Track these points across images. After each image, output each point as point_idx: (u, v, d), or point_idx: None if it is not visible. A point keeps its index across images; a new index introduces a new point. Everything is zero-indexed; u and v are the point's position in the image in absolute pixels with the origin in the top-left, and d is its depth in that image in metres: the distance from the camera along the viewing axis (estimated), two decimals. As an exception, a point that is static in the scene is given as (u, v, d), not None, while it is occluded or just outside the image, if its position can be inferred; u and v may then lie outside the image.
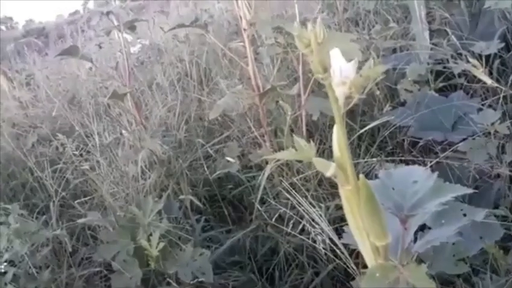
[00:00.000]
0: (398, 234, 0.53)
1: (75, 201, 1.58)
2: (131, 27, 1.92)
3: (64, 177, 1.79)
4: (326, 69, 0.42)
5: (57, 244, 1.18)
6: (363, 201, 0.48)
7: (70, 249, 1.12)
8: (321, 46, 0.40)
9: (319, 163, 0.47)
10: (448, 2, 2.13)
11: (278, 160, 1.48)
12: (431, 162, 1.16)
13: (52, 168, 1.83)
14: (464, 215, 0.61)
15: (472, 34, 1.86)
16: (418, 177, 0.57)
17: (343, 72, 0.43)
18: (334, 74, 0.43)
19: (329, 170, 0.47)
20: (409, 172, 0.59)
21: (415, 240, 0.57)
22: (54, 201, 1.44)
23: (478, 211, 0.62)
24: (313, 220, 1.03)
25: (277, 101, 1.65)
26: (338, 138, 0.47)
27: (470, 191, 0.56)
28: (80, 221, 1.16)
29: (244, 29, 1.55)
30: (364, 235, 0.49)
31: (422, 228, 0.58)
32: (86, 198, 1.62)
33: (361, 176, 0.48)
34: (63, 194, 1.66)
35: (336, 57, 0.43)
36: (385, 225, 0.48)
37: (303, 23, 1.57)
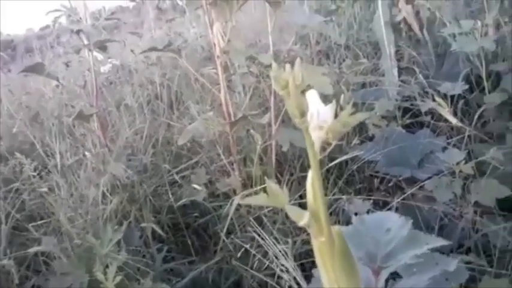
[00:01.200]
0: (369, 283, 0.51)
1: (30, 224, 1.49)
2: (102, 47, 1.88)
3: (19, 198, 1.69)
4: (303, 114, 0.40)
5: (5, 275, 1.10)
6: (337, 255, 0.46)
7: (17, 281, 1.04)
8: (299, 89, 0.39)
9: (292, 211, 0.45)
10: (416, 41, 2.21)
11: (246, 189, 1.46)
12: (398, 200, 1.17)
13: (7, 188, 1.73)
14: (437, 263, 0.60)
15: (438, 73, 1.93)
16: (392, 224, 0.56)
17: (320, 116, 0.41)
18: (311, 118, 0.41)
19: (302, 219, 0.45)
20: (383, 219, 0.57)
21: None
22: (5, 226, 1.34)
23: (449, 260, 0.61)
24: (277, 257, 1.00)
25: (248, 130, 1.64)
26: (313, 185, 0.45)
27: (445, 242, 0.55)
28: (31, 250, 1.08)
29: (218, 56, 1.54)
30: (336, 289, 0.47)
31: (394, 276, 0.57)
32: (42, 222, 1.53)
33: (337, 227, 0.46)
34: (17, 216, 1.57)
35: (313, 100, 0.41)
36: (359, 283, 0.46)
37: (277, 55, 1.58)
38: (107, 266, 0.97)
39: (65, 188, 1.63)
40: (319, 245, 0.47)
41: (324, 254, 0.47)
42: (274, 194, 0.45)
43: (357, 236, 0.54)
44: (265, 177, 0.48)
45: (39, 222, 1.55)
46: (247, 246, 1.17)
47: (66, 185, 1.66)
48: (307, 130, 0.42)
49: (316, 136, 0.43)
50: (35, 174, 1.63)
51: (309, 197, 0.46)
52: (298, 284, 0.94)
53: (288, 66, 0.40)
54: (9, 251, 1.18)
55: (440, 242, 0.54)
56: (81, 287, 0.96)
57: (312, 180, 0.45)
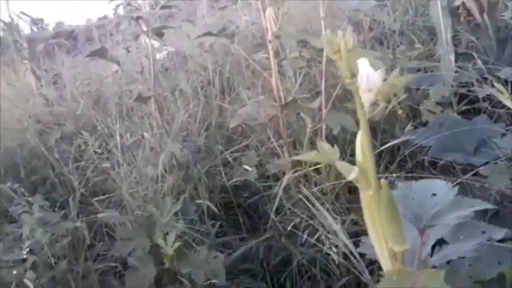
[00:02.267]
0: (415, 245, 0.53)
1: (94, 199, 1.61)
2: (159, 33, 1.97)
3: (84, 174, 1.83)
4: (354, 75, 0.43)
5: (76, 237, 1.21)
6: (383, 206, 0.48)
7: (88, 242, 1.14)
8: (350, 53, 0.42)
9: (342, 166, 0.48)
10: (475, 26, 2.13)
11: (296, 171, 1.49)
12: (452, 182, 1.15)
13: (73, 165, 1.87)
14: (483, 232, 0.60)
15: (498, 59, 1.85)
16: (438, 190, 0.58)
17: (370, 80, 0.44)
18: (361, 81, 0.44)
19: (351, 173, 0.48)
20: (429, 185, 0.59)
21: (432, 253, 0.57)
22: (74, 196, 1.47)
23: (497, 230, 0.62)
24: (329, 232, 1.03)
25: (298, 113, 1.67)
26: (362, 142, 0.48)
27: (490, 206, 0.56)
28: (100, 215, 1.18)
29: (270, 41, 1.58)
30: (382, 241, 0.50)
31: (440, 243, 0.58)
32: (105, 196, 1.65)
33: (383, 180, 0.49)
34: (83, 190, 1.70)
35: (363, 65, 0.44)
36: (403, 231, 0.49)
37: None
38: (167, 234, 1.05)
39: (125, 165, 1.75)
40: (366, 198, 0.50)
41: (371, 207, 0.50)
42: (325, 151, 0.48)
43: (404, 199, 0.56)
44: (319, 138, 0.52)
45: (102, 197, 1.67)
46: (297, 220, 1.21)
47: (126, 163, 1.77)
48: (357, 91, 0.45)
49: (365, 98, 0.45)
50: (98, 151, 1.75)
51: (358, 154, 0.49)
52: (346, 258, 0.97)
53: (340, 32, 0.43)
54: (79, 218, 1.29)
55: (485, 205, 0.55)
56: (143, 251, 1.04)
57: (361, 138, 0.48)
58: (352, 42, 0.42)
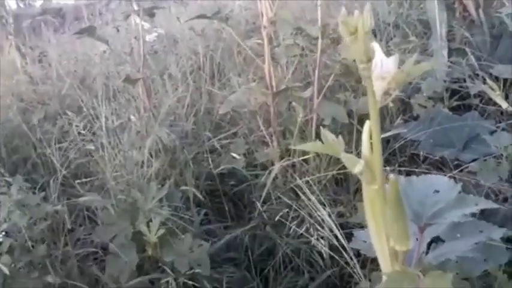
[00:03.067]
0: (414, 244, 0.51)
1: (77, 181, 1.56)
2: (150, 13, 1.91)
3: (67, 156, 1.78)
4: (369, 59, 0.41)
5: (56, 220, 1.17)
6: (389, 202, 0.46)
7: (69, 227, 1.11)
8: (367, 35, 0.39)
9: (347, 158, 0.46)
10: (470, 22, 2.12)
11: (284, 161, 1.47)
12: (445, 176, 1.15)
13: (56, 146, 1.82)
14: (481, 231, 0.59)
15: (491, 56, 1.84)
16: (440, 187, 0.56)
17: (384, 66, 0.41)
18: (374, 68, 0.42)
19: (356, 166, 0.45)
20: (431, 181, 0.57)
21: (427, 251, 0.55)
22: (55, 178, 1.42)
23: (495, 229, 0.61)
24: (316, 224, 1.01)
25: (289, 102, 1.64)
26: (372, 133, 0.45)
27: (495, 205, 0.55)
28: (82, 199, 1.14)
29: (264, 26, 1.54)
30: (383, 238, 0.48)
31: (434, 241, 0.57)
32: (88, 179, 1.61)
33: (392, 175, 0.47)
34: (65, 172, 1.65)
35: (377, 50, 0.42)
36: (408, 230, 0.47)
37: (324, 27, 1.56)
38: (150, 220, 1.02)
39: (110, 148, 1.70)
40: (370, 193, 0.47)
41: (374, 202, 0.47)
42: (330, 142, 0.45)
43: (404, 196, 0.54)
44: (321, 128, 0.49)
45: (85, 180, 1.63)
46: (285, 211, 1.19)
47: (111, 146, 1.73)
48: (369, 78, 0.42)
49: (378, 85, 0.43)
50: (82, 132, 1.71)
51: (365, 146, 0.47)
52: (337, 248, 0.96)
53: (356, 11, 0.40)
54: (60, 200, 1.25)
55: (490, 205, 0.54)
56: (126, 237, 1.01)
57: (371, 129, 0.46)
58: (370, 23, 0.39)
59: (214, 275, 1.18)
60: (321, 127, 0.46)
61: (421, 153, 1.41)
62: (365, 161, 0.46)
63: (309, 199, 1.07)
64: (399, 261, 0.47)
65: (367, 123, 0.47)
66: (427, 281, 0.45)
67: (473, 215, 0.73)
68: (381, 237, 0.48)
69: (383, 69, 0.42)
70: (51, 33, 4.27)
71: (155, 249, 1.01)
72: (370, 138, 0.47)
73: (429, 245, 0.55)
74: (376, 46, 0.42)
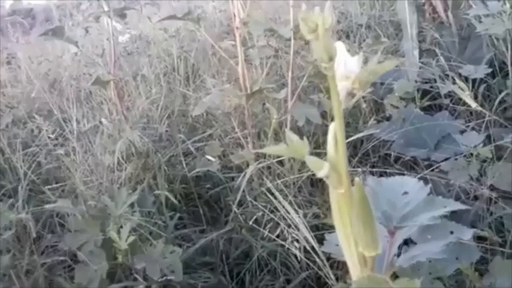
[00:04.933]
0: (384, 247, 0.51)
1: (46, 187, 1.52)
2: (121, 14, 1.87)
3: (36, 161, 1.72)
4: (331, 58, 0.40)
5: (22, 229, 1.13)
6: (356, 206, 0.45)
7: (34, 235, 1.06)
8: (328, 33, 0.38)
9: (312, 162, 0.45)
10: (439, 23, 2.16)
11: (259, 163, 1.46)
12: (414, 177, 1.16)
13: (24, 151, 1.76)
14: (451, 232, 0.59)
15: (460, 57, 1.88)
16: (409, 188, 0.56)
17: (347, 66, 0.41)
18: (338, 67, 0.41)
19: (322, 169, 0.44)
20: (400, 183, 0.57)
21: (399, 254, 0.55)
22: (22, 184, 1.37)
23: (465, 229, 0.61)
24: (290, 226, 1.00)
25: (263, 104, 1.64)
26: (335, 135, 0.45)
27: (463, 207, 0.55)
28: (48, 206, 1.11)
29: (237, 28, 1.53)
30: (352, 244, 0.47)
31: (406, 243, 0.57)
32: (58, 185, 1.56)
33: (357, 179, 0.46)
34: (34, 178, 1.60)
35: (340, 50, 0.41)
36: (377, 235, 0.46)
37: (297, 28, 1.56)
38: (121, 227, 0.99)
39: (81, 152, 1.66)
40: (337, 196, 0.47)
41: (341, 206, 0.47)
42: (294, 145, 0.45)
43: (374, 198, 0.54)
44: (285, 129, 0.48)
45: (55, 185, 1.58)
46: (260, 214, 1.18)
47: (82, 150, 1.69)
48: (332, 78, 0.41)
49: (342, 86, 0.42)
50: (52, 136, 1.66)
51: (330, 149, 0.46)
52: (306, 251, 0.95)
53: (317, 8, 0.39)
54: (27, 208, 1.21)
55: (458, 206, 0.54)
56: (95, 244, 0.98)
57: (335, 131, 0.45)
58: (331, 20, 0.38)
59: (189, 281, 1.16)
60: (286, 130, 0.45)
61: (392, 153, 1.43)
62: (330, 164, 0.45)
63: (280, 202, 1.06)
64: (368, 266, 0.47)
65: (332, 125, 0.46)
66: (396, 287, 0.45)
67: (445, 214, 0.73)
68: (349, 242, 0.47)
69: (347, 69, 0.41)
70: (20, 34, 4.15)
71: (126, 256, 0.98)
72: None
73: (400, 247, 0.55)
74: (339, 45, 0.41)
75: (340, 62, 0.41)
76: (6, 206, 1.19)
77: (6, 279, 0.97)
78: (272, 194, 1.30)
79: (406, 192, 0.55)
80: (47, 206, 1.10)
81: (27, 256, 1.06)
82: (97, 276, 0.95)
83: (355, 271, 0.48)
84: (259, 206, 1.24)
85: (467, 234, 0.60)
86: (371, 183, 0.57)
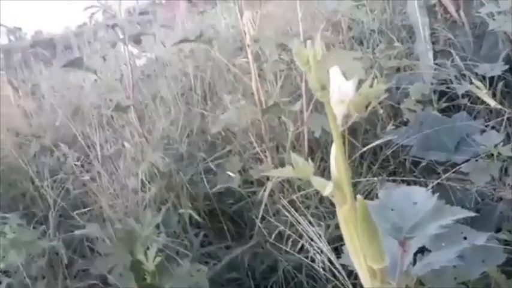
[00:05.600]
0: (396, 256, 0.51)
1: (75, 212, 1.57)
2: (136, 40, 1.93)
3: (64, 187, 1.79)
4: (324, 87, 0.42)
5: (54, 255, 1.17)
6: (359, 222, 0.47)
7: (66, 261, 1.11)
8: (320, 63, 0.40)
9: (317, 181, 0.47)
10: (452, 23, 2.14)
11: (279, 176, 1.47)
12: (433, 183, 1.15)
13: (52, 178, 1.83)
14: (465, 238, 0.59)
15: (475, 56, 1.86)
16: (418, 198, 0.56)
17: (342, 91, 0.42)
18: (333, 93, 0.43)
19: (326, 189, 0.46)
20: (409, 193, 0.58)
21: (414, 262, 0.55)
22: (52, 212, 1.43)
23: (479, 235, 0.61)
24: (312, 239, 1.01)
25: (279, 117, 1.65)
26: (336, 156, 0.46)
27: (471, 214, 0.55)
28: (77, 232, 1.15)
29: (248, 45, 1.56)
30: (361, 257, 0.48)
31: (422, 250, 0.57)
32: (85, 210, 1.61)
33: (359, 196, 0.47)
34: (63, 204, 1.66)
35: (335, 75, 0.43)
36: (382, 247, 0.47)
37: (306, 41, 1.58)
38: (148, 248, 1.02)
39: (106, 177, 1.71)
40: (343, 213, 0.48)
41: (348, 222, 0.48)
42: (300, 166, 0.46)
43: (384, 210, 0.55)
44: (291, 151, 0.50)
45: (83, 210, 1.64)
46: (281, 228, 1.19)
47: (107, 174, 1.74)
48: (328, 103, 0.43)
49: (337, 110, 0.44)
50: (77, 163, 1.72)
51: (333, 168, 0.48)
52: (331, 263, 0.96)
53: (309, 42, 0.41)
54: (58, 234, 1.26)
55: (466, 214, 0.54)
56: (124, 267, 1.01)
57: (336, 152, 0.46)
58: (322, 52, 0.40)
59: (217, 297, 1.18)
60: (292, 153, 0.47)
61: (407, 158, 1.42)
62: (334, 183, 0.47)
63: (299, 217, 1.07)
64: (378, 278, 0.48)
65: (333, 147, 0.47)
66: None
67: (465, 218, 0.73)
68: (358, 255, 0.49)
69: (341, 93, 0.43)
70: (42, 65, 4.31)
71: (154, 277, 1.01)
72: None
73: (415, 255, 0.56)
74: (334, 70, 0.43)
75: (334, 87, 0.43)
76: (39, 233, 1.24)
77: (41, 305, 1.01)
78: (294, 206, 1.32)
79: (415, 203, 0.56)
80: (76, 232, 1.14)
81: (61, 281, 1.10)
82: (127, 298, 0.98)
83: (366, 283, 0.49)
84: (281, 219, 1.25)
85: (480, 239, 0.60)
86: (381, 195, 0.58)
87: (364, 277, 0.48)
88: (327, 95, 0.42)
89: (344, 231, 0.49)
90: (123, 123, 2.19)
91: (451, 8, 2.10)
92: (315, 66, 0.40)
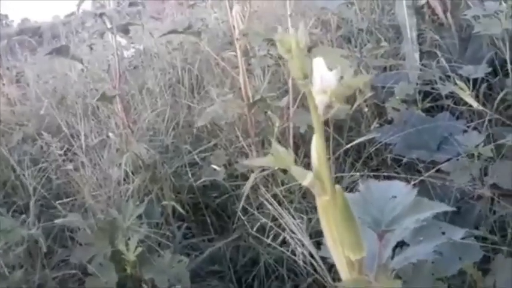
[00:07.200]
0: (375, 250, 0.52)
1: (56, 202, 1.55)
2: (124, 30, 1.91)
3: (47, 176, 1.76)
4: (306, 76, 0.42)
5: (33, 244, 1.16)
6: (338, 213, 0.47)
7: (45, 250, 1.09)
8: (305, 54, 0.40)
9: (297, 171, 0.47)
10: (439, 25, 2.17)
11: (263, 170, 1.48)
12: (415, 180, 1.17)
13: (35, 168, 1.80)
14: (443, 233, 0.61)
15: (461, 58, 1.89)
16: (397, 192, 0.57)
17: (324, 81, 0.43)
18: (315, 82, 0.43)
19: (306, 178, 0.47)
20: (389, 187, 0.59)
21: (393, 256, 0.56)
22: (33, 200, 1.41)
23: (457, 230, 0.62)
24: (293, 232, 1.02)
25: (265, 112, 1.66)
26: (316, 147, 0.47)
27: (449, 208, 0.56)
28: (58, 221, 1.14)
29: (237, 39, 1.56)
30: (339, 248, 0.49)
31: (401, 245, 0.58)
32: (68, 200, 1.60)
33: (337, 186, 0.48)
34: (45, 193, 1.64)
35: (318, 65, 0.43)
36: (360, 238, 0.48)
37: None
38: (129, 239, 1.02)
39: (90, 167, 1.69)
40: (322, 203, 0.49)
41: (327, 213, 0.49)
42: (280, 156, 0.47)
43: (363, 203, 0.56)
44: (272, 141, 0.50)
45: (65, 200, 1.62)
46: (263, 221, 1.20)
47: (91, 164, 1.72)
48: (310, 93, 0.44)
49: (319, 100, 0.44)
50: (61, 153, 1.70)
51: (313, 158, 0.48)
52: (312, 257, 0.97)
53: (292, 29, 0.41)
54: (38, 223, 1.24)
55: (445, 208, 0.56)
56: (105, 257, 1.01)
57: (316, 142, 0.47)
58: (305, 41, 0.40)
59: (198, 289, 1.18)
60: (273, 141, 0.47)
61: (389, 156, 1.44)
62: (314, 173, 0.47)
63: (282, 210, 1.08)
64: (355, 269, 0.48)
65: (314, 138, 0.48)
66: (379, 287, 0.47)
67: (445, 214, 0.75)
68: (337, 246, 0.49)
69: (323, 84, 0.43)
70: (28, 53, 4.24)
71: (134, 267, 1.00)
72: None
73: (394, 249, 0.57)
74: (318, 60, 0.43)
75: (317, 78, 0.43)
76: (18, 222, 1.22)
77: (19, 294, 1.00)
78: (277, 200, 1.32)
79: (394, 196, 0.57)
80: (57, 221, 1.13)
81: (39, 270, 1.09)
82: (107, 288, 0.97)
83: (344, 274, 0.50)
84: (264, 213, 1.25)
85: (458, 234, 0.61)
86: (361, 189, 0.59)
87: (341, 268, 0.49)
88: (309, 84, 0.43)
89: (323, 222, 0.50)
90: (108, 113, 2.17)
91: (439, 10, 2.13)
92: (298, 54, 0.40)
